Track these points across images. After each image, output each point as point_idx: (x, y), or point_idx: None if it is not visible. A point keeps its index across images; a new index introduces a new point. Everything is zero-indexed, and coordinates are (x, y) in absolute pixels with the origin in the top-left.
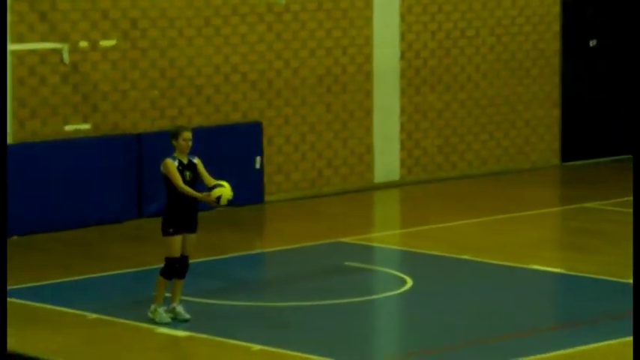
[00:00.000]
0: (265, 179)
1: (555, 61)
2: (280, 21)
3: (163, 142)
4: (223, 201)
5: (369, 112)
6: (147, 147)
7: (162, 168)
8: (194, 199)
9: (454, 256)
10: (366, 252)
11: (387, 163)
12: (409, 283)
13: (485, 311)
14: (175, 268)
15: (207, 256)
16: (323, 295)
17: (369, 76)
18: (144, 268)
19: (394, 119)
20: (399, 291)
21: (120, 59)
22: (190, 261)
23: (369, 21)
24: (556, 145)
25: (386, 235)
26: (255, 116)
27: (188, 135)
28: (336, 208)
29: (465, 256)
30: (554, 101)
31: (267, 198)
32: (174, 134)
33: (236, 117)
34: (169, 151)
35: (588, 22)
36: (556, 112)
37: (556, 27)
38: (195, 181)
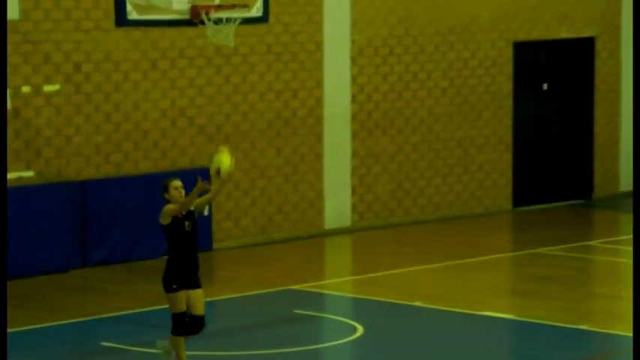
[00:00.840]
0: (214, 226)
1: (508, 104)
2: (229, 64)
3: (108, 189)
4: (224, 174)
5: (319, 157)
6: (91, 194)
7: (160, 219)
8: (194, 255)
9: (406, 303)
10: (316, 299)
11: (338, 209)
12: (360, 330)
13: (435, 358)
14: (185, 323)
15: (155, 306)
16: (273, 344)
17: (319, 119)
18: (88, 318)
19: (345, 164)
20: (349, 339)
21: (63, 104)
22: (139, 310)
23: (319, 64)
24: (508, 189)
25: (337, 282)
26: (203, 161)
27: (178, 183)
28: (286, 254)
29: (417, 303)
30: (506, 145)
31: (215, 245)
32: (165, 187)
33: (184, 162)
34: (114, 199)
35: (541, 65)
36: (508, 156)
37: (509, 70)
38: (196, 231)
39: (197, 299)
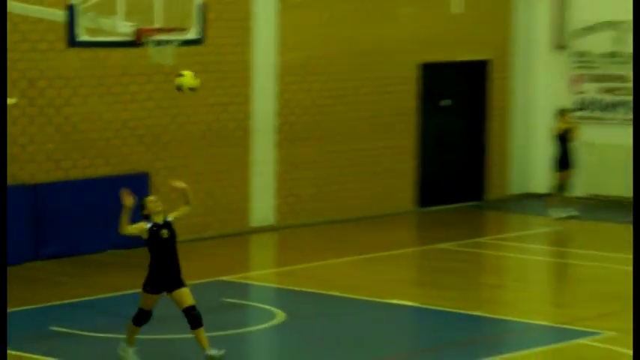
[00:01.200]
0: None
1: (414, 118)
2: (167, 81)
3: (57, 191)
4: (185, 90)
5: (246, 164)
6: (43, 196)
7: (142, 237)
8: (173, 260)
9: (323, 292)
10: (242, 289)
11: (263, 210)
12: (281, 316)
13: (348, 340)
14: (145, 319)
15: (101, 294)
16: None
17: (247, 131)
18: (39, 305)
19: (270, 170)
20: (271, 324)
21: (19, 116)
22: (86, 298)
23: (247, 81)
24: (413, 193)
25: (261, 273)
26: (143, 167)
27: (151, 198)
28: (216, 250)
29: (334, 292)
30: (412, 153)
31: None
32: (142, 205)
33: (125, 168)
34: (63, 201)
35: (443, 84)
36: (413, 164)
37: (415, 88)
38: (175, 238)
39: (181, 296)
